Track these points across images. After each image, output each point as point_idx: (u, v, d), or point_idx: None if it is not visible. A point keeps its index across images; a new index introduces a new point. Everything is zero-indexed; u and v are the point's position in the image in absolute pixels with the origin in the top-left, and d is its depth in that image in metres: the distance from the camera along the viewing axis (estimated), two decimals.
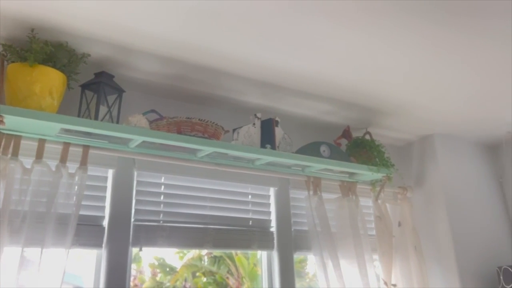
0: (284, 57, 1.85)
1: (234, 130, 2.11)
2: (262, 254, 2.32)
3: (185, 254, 5.71)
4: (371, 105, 2.37)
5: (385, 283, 2.41)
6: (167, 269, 5.95)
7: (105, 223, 1.86)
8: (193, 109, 2.20)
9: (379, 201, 2.60)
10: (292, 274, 2.25)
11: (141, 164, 1.98)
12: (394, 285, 2.50)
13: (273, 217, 2.33)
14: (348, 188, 2.51)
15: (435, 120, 2.61)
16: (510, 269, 2.45)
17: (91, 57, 1.79)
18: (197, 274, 5.83)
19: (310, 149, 2.22)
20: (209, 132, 1.89)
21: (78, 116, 1.78)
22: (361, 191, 2.60)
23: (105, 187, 1.91)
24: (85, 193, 1.83)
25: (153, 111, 1.86)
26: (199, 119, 1.85)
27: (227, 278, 5.69)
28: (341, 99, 2.27)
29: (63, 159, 1.75)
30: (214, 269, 5.90)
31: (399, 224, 2.69)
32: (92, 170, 1.87)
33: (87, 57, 1.75)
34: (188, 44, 1.74)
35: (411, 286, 2.53)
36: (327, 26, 1.65)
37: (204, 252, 5.74)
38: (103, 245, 1.82)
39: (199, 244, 2.06)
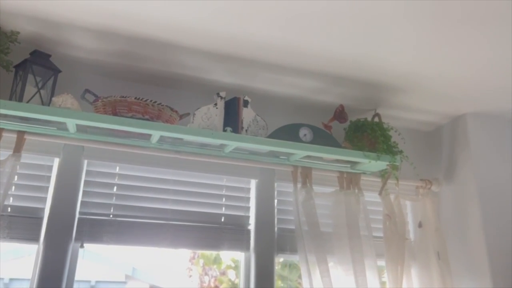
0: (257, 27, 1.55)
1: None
2: (240, 256, 2.02)
3: None
4: (377, 79, 1.93)
5: None
6: None
7: (45, 215, 1.71)
8: (153, 91, 1.97)
9: (392, 197, 2.16)
10: (272, 279, 1.92)
11: (91, 152, 1.81)
12: None
13: (252, 213, 2.02)
14: (349, 180, 2.10)
15: (466, 95, 2.08)
16: None
17: (24, 35, 1.65)
18: None
19: (286, 133, 1.87)
20: (150, 113, 1.65)
21: (10, 99, 1.65)
22: (369, 184, 2.18)
23: (49, 177, 1.77)
24: (24, 182, 1.72)
25: (87, 91, 1.67)
26: (135, 98, 1.62)
27: (299, 283, 5.45)
28: (334, 73, 1.88)
29: None
30: (284, 273, 5.65)
31: (420, 225, 2.21)
32: (34, 159, 1.75)
33: (17, 35, 1.62)
34: (125, 14, 1.51)
35: None
36: None
37: None
38: (41, 239, 1.67)
39: (154, 242, 1.82)
